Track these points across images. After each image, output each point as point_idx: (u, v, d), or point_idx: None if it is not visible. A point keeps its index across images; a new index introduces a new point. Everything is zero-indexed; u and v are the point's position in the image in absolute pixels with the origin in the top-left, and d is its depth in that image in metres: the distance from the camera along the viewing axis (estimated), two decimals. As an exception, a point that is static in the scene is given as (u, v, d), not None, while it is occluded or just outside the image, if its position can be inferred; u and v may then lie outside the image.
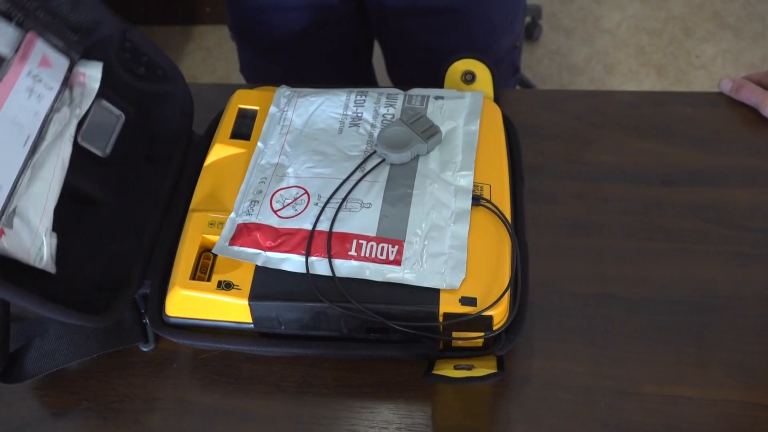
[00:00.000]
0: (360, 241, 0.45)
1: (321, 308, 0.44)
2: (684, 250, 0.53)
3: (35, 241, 0.45)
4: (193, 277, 0.46)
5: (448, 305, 0.43)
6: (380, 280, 0.44)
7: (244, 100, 0.56)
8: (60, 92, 0.49)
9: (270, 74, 0.84)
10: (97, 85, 0.52)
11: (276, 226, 0.47)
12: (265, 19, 0.80)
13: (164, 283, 0.48)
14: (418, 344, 0.44)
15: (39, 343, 0.48)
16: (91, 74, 0.52)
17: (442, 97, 0.54)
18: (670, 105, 0.64)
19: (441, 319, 0.43)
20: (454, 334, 0.44)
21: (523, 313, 0.45)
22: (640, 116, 0.63)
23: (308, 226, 0.46)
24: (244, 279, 0.45)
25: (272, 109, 0.55)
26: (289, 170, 0.50)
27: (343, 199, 0.47)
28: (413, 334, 0.43)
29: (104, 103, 0.53)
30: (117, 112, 0.54)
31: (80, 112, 0.51)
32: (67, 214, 0.48)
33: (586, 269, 0.53)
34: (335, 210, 0.46)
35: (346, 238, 0.45)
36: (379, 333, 0.45)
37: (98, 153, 0.52)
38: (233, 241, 0.47)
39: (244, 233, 0.47)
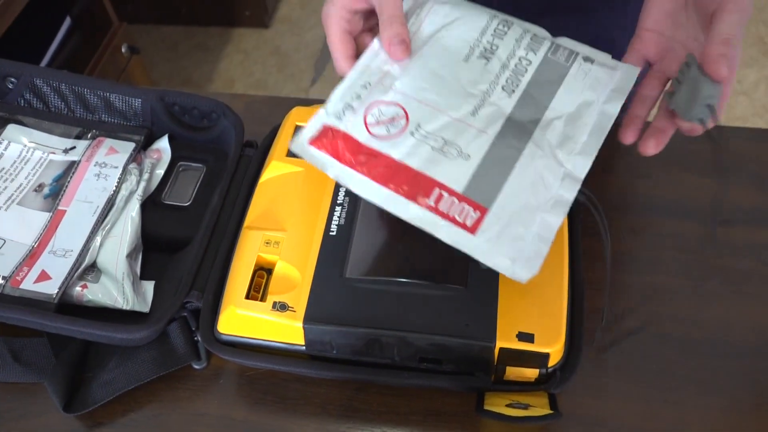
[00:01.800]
0: (442, 192, 0.41)
1: (376, 335, 0.44)
2: (740, 291, 0.52)
3: (118, 288, 0.51)
4: (248, 296, 0.46)
5: (505, 340, 0.42)
6: (447, 241, 0.40)
7: (300, 117, 0.56)
8: (125, 168, 0.57)
9: None
10: (169, 155, 0.60)
11: (363, 141, 0.42)
12: None
13: (217, 300, 0.48)
14: (470, 377, 0.44)
15: (98, 373, 0.50)
16: (162, 147, 0.61)
17: (591, 60, 0.47)
18: (726, 140, 0.63)
19: (497, 353, 0.43)
20: (508, 369, 0.43)
21: (579, 350, 0.44)
22: (696, 150, 0.62)
23: (396, 155, 0.42)
24: (299, 301, 0.45)
25: (408, 2, 0.48)
26: (397, 84, 0.45)
27: (443, 140, 0.42)
28: (467, 368, 0.43)
29: (183, 164, 0.60)
30: (198, 166, 0.60)
31: (150, 177, 0.58)
32: (164, 260, 0.55)
33: (639, 306, 0.52)
34: (429, 148, 0.42)
35: (430, 183, 0.41)
36: (433, 363, 0.44)
37: (182, 204, 0.58)
38: (314, 141, 0.43)
39: (327, 136, 0.43)
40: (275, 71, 1.89)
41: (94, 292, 0.51)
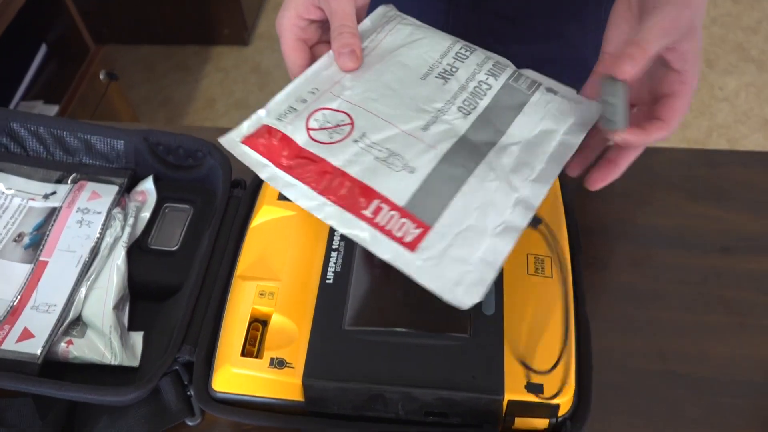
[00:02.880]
0: (382, 204, 0.38)
1: (379, 390, 0.42)
2: (745, 324, 0.51)
3: (105, 342, 0.49)
4: (243, 352, 0.44)
5: (514, 392, 0.41)
6: (384, 258, 0.38)
7: (291, 157, 0.54)
8: (109, 213, 0.55)
9: None
10: (154, 196, 0.58)
11: (302, 145, 0.41)
12: None
13: (210, 355, 0.46)
14: (478, 429, 0.42)
15: None
16: (146, 188, 0.58)
17: (555, 92, 0.46)
18: (723, 165, 0.62)
19: (505, 405, 0.41)
20: (517, 420, 0.42)
21: (588, 398, 0.43)
22: (692, 177, 0.61)
23: (336, 162, 0.39)
24: (298, 356, 0.43)
25: (366, 23, 0.48)
26: (347, 93, 0.43)
27: (388, 151, 0.40)
28: (474, 420, 0.41)
29: (169, 206, 0.58)
30: (185, 207, 0.58)
31: (135, 221, 0.56)
32: (153, 309, 0.53)
33: (644, 343, 0.51)
34: (373, 157, 0.40)
35: (370, 194, 0.39)
36: (438, 416, 0.43)
37: (170, 248, 0.55)
38: (248, 139, 0.41)
39: (264, 136, 0.41)
40: (256, 89, 1.87)
41: (80, 349, 0.49)
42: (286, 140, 0.41)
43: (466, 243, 0.38)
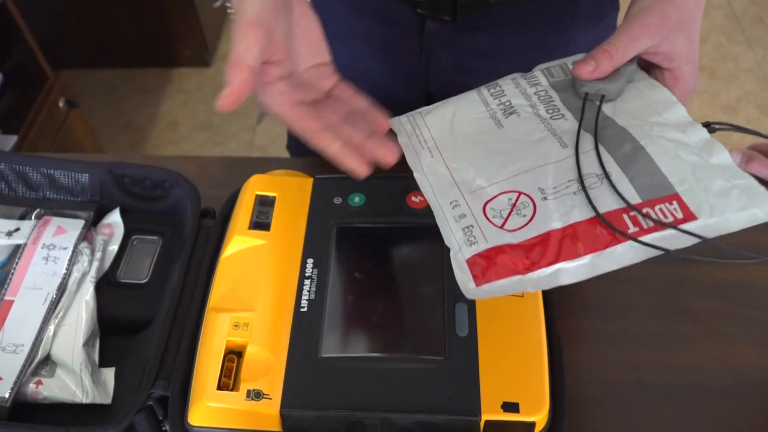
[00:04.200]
0: (632, 214, 0.38)
1: (357, 417, 0.42)
2: (710, 332, 0.53)
3: (76, 380, 0.48)
4: (219, 385, 0.44)
5: (490, 412, 0.42)
6: (685, 246, 0.37)
7: (259, 186, 0.54)
8: (75, 248, 0.54)
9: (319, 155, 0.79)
10: (121, 229, 0.57)
11: (515, 241, 0.39)
12: None
13: (185, 389, 0.46)
14: (457, 451, 0.43)
15: None
16: (113, 221, 0.57)
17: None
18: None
19: (482, 426, 0.42)
20: (495, 440, 0.43)
21: (562, 413, 0.44)
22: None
23: (559, 223, 0.38)
24: (274, 386, 0.43)
25: (401, 138, 0.47)
26: (479, 180, 0.42)
27: (580, 178, 0.39)
28: (453, 442, 0.42)
29: (138, 238, 0.57)
30: (153, 238, 0.57)
31: (103, 255, 0.55)
32: (124, 344, 0.52)
33: (613, 354, 0.52)
34: (575, 195, 0.39)
35: (614, 216, 0.38)
36: (417, 440, 0.43)
37: (139, 281, 0.55)
38: (479, 279, 0.38)
39: (486, 265, 0.38)
40: (216, 109, 1.86)
41: (50, 389, 0.48)
42: (501, 250, 0.39)
43: (708, 179, 0.39)
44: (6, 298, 0.52)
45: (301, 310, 0.47)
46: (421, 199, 0.53)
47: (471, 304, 0.46)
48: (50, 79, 1.23)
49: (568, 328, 0.52)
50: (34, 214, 0.58)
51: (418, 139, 0.47)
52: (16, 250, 0.55)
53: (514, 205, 0.40)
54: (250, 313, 0.47)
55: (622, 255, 0.38)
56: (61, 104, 1.24)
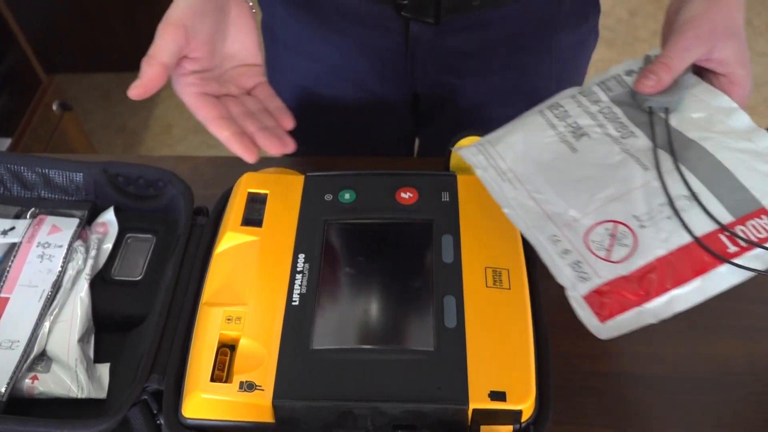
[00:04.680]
0: (727, 233, 0.39)
1: (348, 407, 0.43)
2: (694, 325, 0.54)
3: (71, 376, 0.48)
4: (213, 377, 0.45)
5: (478, 401, 0.42)
6: None
7: (252, 183, 0.55)
8: (70, 245, 0.55)
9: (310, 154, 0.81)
10: (116, 227, 0.57)
11: (625, 272, 0.39)
12: (319, 112, 0.76)
13: (179, 382, 0.46)
14: (445, 440, 0.44)
15: None
16: (108, 220, 0.58)
17: (632, 72, 0.49)
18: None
19: (470, 414, 0.43)
20: (483, 429, 0.43)
21: (549, 402, 0.45)
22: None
23: (662, 251, 0.39)
24: (267, 378, 0.44)
25: (479, 172, 0.48)
26: (571, 212, 0.42)
27: (671, 203, 0.40)
28: (441, 431, 0.43)
29: (131, 236, 0.58)
30: (147, 237, 0.58)
31: (98, 253, 0.56)
32: (118, 340, 0.52)
33: (597, 347, 0.53)
34: (669, 219, 0.40)
35: (712, 238, 0.39)
36: (407, 429, 0.44)
37: (134, 279, 0.56)
38: (602, 315, 0.39)
39: (605, 301, 0.39)
40: (214, 114, 1.86)
41: (45, 384, 0.49)
42: (613, 284, 0.40)
43: None
44: (1, 295, 0.53)
45: (293, 303, 0.47)
46: (410, 195, 0.54)
47: (459, 297, 0.47)
48: (44, 82, 1.24)
49: (555, 322, 0.53)
50: (29, 213, 0.58)
51: (496, 171, 0.47)
52: (12, 249, 0.56)
53: (613, 235, 0.41)
54: (242, 307, 0.48)
55: (729, 275, 0.39)
56: (54, 107, 1.25)
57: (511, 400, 0.43)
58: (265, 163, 0.60)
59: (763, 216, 0.40)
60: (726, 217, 0.40)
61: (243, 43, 0.52)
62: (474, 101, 0.72)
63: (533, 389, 0.44)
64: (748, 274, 0.39)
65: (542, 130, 0.47)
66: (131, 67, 2.10)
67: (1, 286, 0.53)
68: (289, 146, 0.49)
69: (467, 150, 0.50)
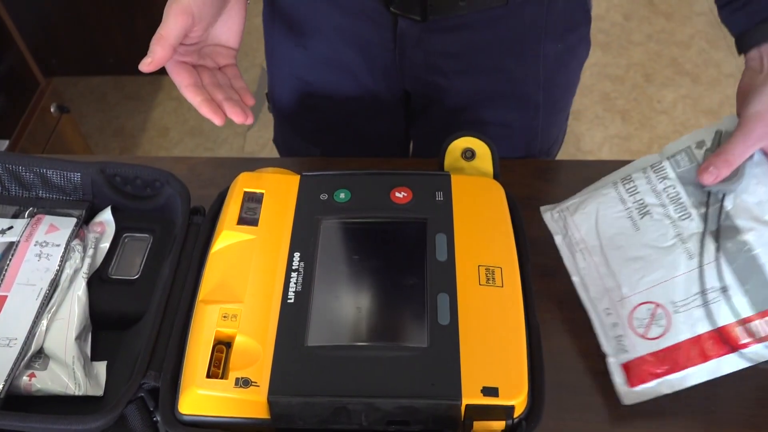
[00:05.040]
0: (747, 326, 0.45)
1: (342, 403, 0.43)
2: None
3: (68, 373, 0.49)
4: (209, 374, 0.45)
5: (471, 397, 0.43)
6: None
7: (248, 183, 0.56)
8: (68, 245, 0.55)
9: (305, 153, 0.82)
10: (113, 227, 0.58)
11: (655, 349, 0.46)
12: (314, 105, 0.78)
13: (175, 379, 0.47)
14: (439, 435, 0.44)
15: None
16: (105, 219, 0.59)
17: (702, 146, 0.52)
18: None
19: (463, 410, 0.43)
20: (476, 424, 0.44)
21: (541, 398, 0.45)
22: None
23: (687, 335, 0.45)
24: (262, 374, 0.44)
25: (557, 238, 0.56)
26: (624, 289, 0.49)
27: (704, 293, 0.46)
28: (435, 426, 0.43)
29: (129, 236, 0.59)
30: (144, 236, 0.59)
31: (95, 252, 0.57)
32: (115, 338, 0.53)
33: (591, 344, 0.54)
34: (699, 308, 0.46)
35: (731, 329, 0.45)
36: (400, 425, 0.44)
37: (130, 277, 0.56)
38: (633, 383, 0.46)
39: (636, 372, 0.46)
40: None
41: (43, 381, 0.49)
42: (646, 358, 0.46)
43: None
44: (0, 293, 0.53)
45: (288, 301, 0.48)
46: (404, 194, 0.54)
47: (453, 295, 0.48)
48: (41, 84, 1.24)
49: (547, 319, 0.54)
50: (27, 212, 0.59)
51: (571, 240, 0.53)
52: (9, 248, 0.56)
53: (653, 315, 0.47)
54: (238, 305, 0.48)
55: (738, 361, 0.45)
56: (52, 110, 1.25)
57: (504, 395, 0.43)
58: (260, 163, 0.61)
59: None
60: (748, 311, 0.46)
61: (230, 29, 0.58)
62: (461, 102, 0.73)
63: (525, 385, 0.44)
64: (755, 362, 0.45)
65: (613, 205, 0.52)
66: (128, 71, 2.12)
67: (0, 285, 0.53)
68: (250, 118, 0.55)
69: (549, 215, 0.56)
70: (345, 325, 0.47)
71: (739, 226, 0.48)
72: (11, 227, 0.58)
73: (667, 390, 0.47)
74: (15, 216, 0.59)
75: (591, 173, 0.66)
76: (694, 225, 0.49)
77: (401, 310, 0.48)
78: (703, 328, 0.46)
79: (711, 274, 0.47)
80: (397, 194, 0.54)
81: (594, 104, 1.83)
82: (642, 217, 0.50)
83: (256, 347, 0.46)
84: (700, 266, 0.47)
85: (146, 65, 0.52)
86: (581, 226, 0.53)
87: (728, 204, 0.49)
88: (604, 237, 0.51)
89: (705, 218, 0.49)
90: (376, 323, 0.48)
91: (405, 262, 0.51)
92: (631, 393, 0.47)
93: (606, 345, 0.48)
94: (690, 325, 0.46)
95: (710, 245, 0.48)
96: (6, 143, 1.08)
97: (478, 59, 0.69)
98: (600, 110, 1.82)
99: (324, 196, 0.55)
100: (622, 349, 0.47)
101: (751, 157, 0.50)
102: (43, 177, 0.59)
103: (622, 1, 2.08)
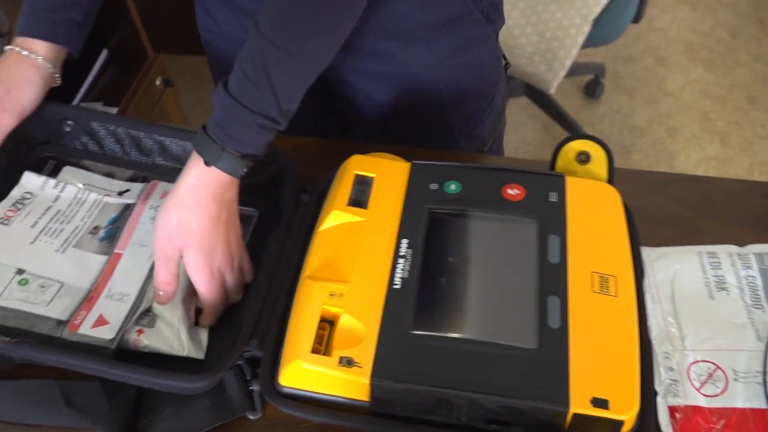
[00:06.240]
0: None
1: (445, 395, 0.43)
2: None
3: (174, 333, 0.50)
4: (312, 349, 0.45)
5: (579, 406, 0.42)
6: None
7: (359, 166, 0.56)
8: None
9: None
10: None
11: (705, 405, 0.47)
12: None
13: (277, 351, 0.47)
14: (539, 440, 0.43)
15: (153, 422, 0.48)
16: None
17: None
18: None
19: (569, 418, 0.42)
20: (579, 434, 0.43)
21: (651, 416, 0.44)
22: (748, 207, 0.62)
23: (739, 405, 0.47)
24: (366, 356, 0.44)
25: None
26: (687, 342, 0.50)
27: (764, 374, 0.47)
28: (536, 431, 0.42)
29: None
30: (250, 210, 0.60)
31: None
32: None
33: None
34: (759, 386, 0.47)
35: None
36: (501, 425, 0.43)
37: None
38: (677, 428, 0.47)
39: (683, 418, 0.47)
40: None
41: (150, 338, 0.51)
42: (695, 410, 0.47)
43: None
44: (116, 251, 0.55)
45: (394, 287, 0.48)
46: (517, 192, 0.53)
47: (563, 298, 0.46)
48: (150, 57, 1.29)
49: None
50: (144, 177, 0.61)
51: (646, 281, 0.53)
52: (126, 209, 0.58)
53: (711, 374, 0.48)
54: (345, 285, 0.48)
55: None
56: (158, 82, 1.30)
57: (614, 409, 0.42)
58: (368, 149, 0.61)
59: None
60: None
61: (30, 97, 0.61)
62: (356, 85, 0.70)
63: (638, 400, 0.42)
64: None
65: (694, 270, 0.54)
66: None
67: (116, 243, 0.56)
68: None
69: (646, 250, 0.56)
70: (451, 317, 0.47)
71: None
72: (128, 190, 0.60)
73: None
74: (132, 180, 0.61)
75: (705, 190, 0.63)
76: (765, 317, 0.51)
77: (509, 308, 0.47)
78: (758, 404, 0.47)
79: None
80: (509, 191, 0.53)
81: (692, 123, 1.75)
82: (719, 291, 0.53)
83: (360, 328, 0.46)
84: (765, 351, 0.49)
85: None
86: (658, 274, 0.54)
87: None
88: (678, 292, 0.53)
89: None
90: (482, 318, 0.47)
91: (514, 260, 0.49)
92: None
93: (659, 384, 0.48)
94: (746, 397, 0.47)
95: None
96: (114, 110, 1.13)
97: (367, 42, 0.65)
98: (698, 130, 1.74)
99: (434, 186, 0.54)
100: (673, 392, 0.48)
101: None
102: (161, 145, 0.61)
103: (730, 17, 1.99)
